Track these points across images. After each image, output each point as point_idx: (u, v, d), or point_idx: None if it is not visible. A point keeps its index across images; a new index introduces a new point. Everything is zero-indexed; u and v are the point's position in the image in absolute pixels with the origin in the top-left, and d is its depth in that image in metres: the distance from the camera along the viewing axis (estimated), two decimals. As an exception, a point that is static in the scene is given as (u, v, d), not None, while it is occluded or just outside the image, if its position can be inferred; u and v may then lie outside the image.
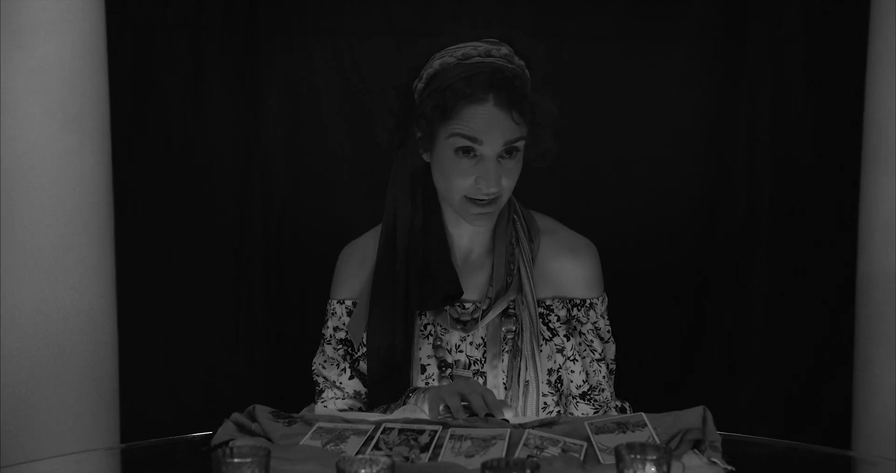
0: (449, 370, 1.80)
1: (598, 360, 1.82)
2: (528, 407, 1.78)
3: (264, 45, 2.94)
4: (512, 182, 1.74)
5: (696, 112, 2.99)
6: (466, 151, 1.71)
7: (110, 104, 2.61)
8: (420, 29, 2.92)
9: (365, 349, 1.83)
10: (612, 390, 1.85)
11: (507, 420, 1.57)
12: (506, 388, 1.78)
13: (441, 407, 1.63)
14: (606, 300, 1.86)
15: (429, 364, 1.81)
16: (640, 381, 2.07)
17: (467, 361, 1.81)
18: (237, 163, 2.97)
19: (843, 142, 2.92)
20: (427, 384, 1.80)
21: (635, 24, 2.97)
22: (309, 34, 2.95)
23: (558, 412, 1.79)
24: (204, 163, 2.95)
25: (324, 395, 1.85)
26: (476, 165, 1.71)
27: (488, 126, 1.69)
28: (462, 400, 1.61)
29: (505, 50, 1.74)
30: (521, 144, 1.73)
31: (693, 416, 1.49)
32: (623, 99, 2.97)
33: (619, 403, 1.86)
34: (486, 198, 1.72)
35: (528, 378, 1.78)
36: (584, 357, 1.82)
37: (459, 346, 1.81)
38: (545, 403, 1.80)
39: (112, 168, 2.62)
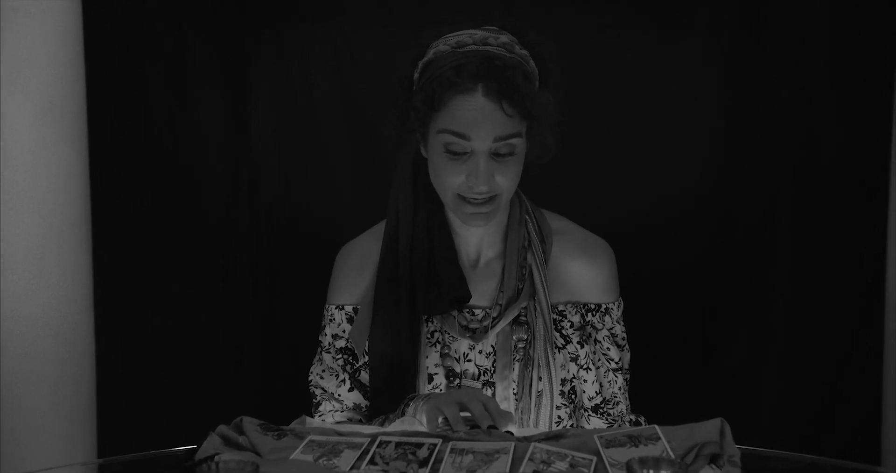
0: (457, 380, 1.80)
1: (614, 370, 1.82)
2: (540, 420, 1.77)
3: (253, 36, 2.93)
4: (510, 180, 1.72)
5: (709, 109, 2.98)
6: (456, 147, 1.69)
7: (88, 98, 2.60)
8: (420, 20, 2.91)
9: (367, 358, 1.81)
10: (628, 402, 1.84)
11: (511, 433, 1.56)
12: (517, 399, 1.78)
13: (440, 419, 1.62)
14: (622, 304, 1.86)
15: (436, 373, 1.80)
16: (647, 388, 2.07)
17: (476, 370, 1.80)
18: (225, 161, 2.96)
19: (870, 141, 2.91)
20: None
21: (643, 15, 2.96)
22: (302, 25, 2.95)
23: (571, 426, 1.78)
24: (189, 162, 2.94)
25: (321, 408, 1.84)
26: (467, 162, 1.70)
27: (477, 120, 1.67)
28: (462, 410, 1.60)
29: (505, 39, 1.73)
30: (516, 140, 1.70)
31: (710, 429, 1.48)
32: (629, 97, 2.95)
33: (633, 416, 1.85)
34: (478, 197, 1.71)
35: (540, 389, 1.77)
36: (598, 367, 1.81)
37: (468, 355, 1.81)
38: (559, 416, 1.79)
39: (89, 165, 2.61)
